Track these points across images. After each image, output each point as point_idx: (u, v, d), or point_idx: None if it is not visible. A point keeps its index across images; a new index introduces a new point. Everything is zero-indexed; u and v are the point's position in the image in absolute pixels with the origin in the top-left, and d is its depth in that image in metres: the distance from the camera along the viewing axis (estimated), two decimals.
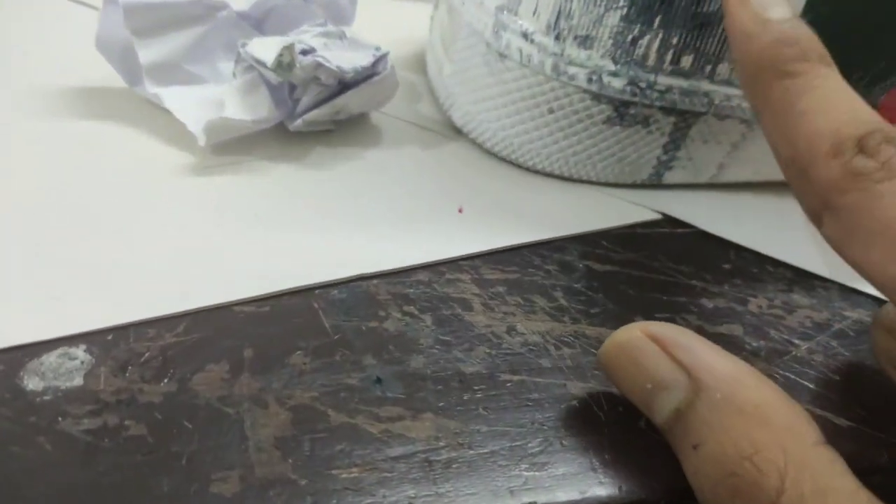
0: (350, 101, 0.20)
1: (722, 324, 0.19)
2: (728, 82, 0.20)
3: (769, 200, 0.23)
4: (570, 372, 0.17)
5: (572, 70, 0.19)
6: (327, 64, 0.19)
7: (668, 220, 0.22)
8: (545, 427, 0.15)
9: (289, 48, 0.18)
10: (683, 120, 0.20)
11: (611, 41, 0.19)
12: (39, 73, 0.22)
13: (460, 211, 0.20)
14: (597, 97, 0.20)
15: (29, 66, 0.22)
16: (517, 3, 0.19)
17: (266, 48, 0.19)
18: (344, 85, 0.20)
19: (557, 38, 0.19)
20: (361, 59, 0.19)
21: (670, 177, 0.22)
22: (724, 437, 0.13)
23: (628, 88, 0.19)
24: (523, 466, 0.14)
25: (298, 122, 0.20)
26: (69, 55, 0.22)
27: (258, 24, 0.22)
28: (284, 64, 0.18)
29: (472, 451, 0.15)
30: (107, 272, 0.16)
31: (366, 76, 0.20)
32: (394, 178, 0.20)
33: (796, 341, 0.19)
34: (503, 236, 0.19)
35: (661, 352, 0.15)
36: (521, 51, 0.20)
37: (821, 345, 0.19)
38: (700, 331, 0.18)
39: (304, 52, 0.19)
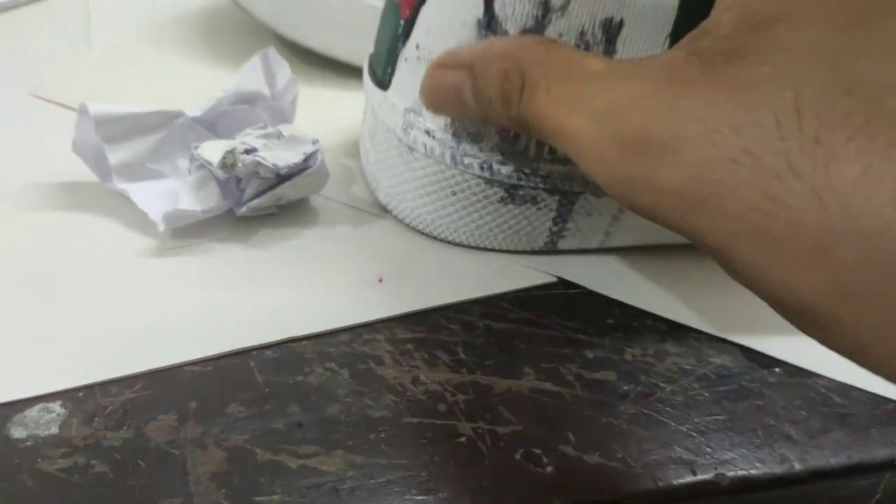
0: (287, 191, 0.24)
1: (599, 371, 0.22)
2: None
3: (652, 262, 0.27)
4: (461, 414, 0.20)
5: (467, 160, 0.23)
6: (265, 162, 0.23)
7: (562, 282, 0.25)
8: (435, 459, 0.19)
9: (231, 151, 0.22)
10: (566, 198, 0.24)
11: (497, 137, 0.23)
12: (25, 168, 0.26)
13: (380, 280, 0.24)
14: (490, 182, 0.24)
15: (15, 161, 0.26)
16: (420, 106, 0.23)
17: (213, 151, 0.23)
18: (281, 177, 0.24)
19: (454, 134, 0.23)
20: (294, 157, 0.23)
21: (563, 244, 0.26)
22: (490, 80, 0.20)
23: (515, 174, 0.23)
24: (414, 492, 0.18)
25: (244, 209, 0.24)
26: (50, 154, 0.26)
27: (211, 126, 0.25)
28: (228, 164, 0.22)
29: (372, 481, 0.18)
30: (79, 339, 0.20)
31: (299, 170, 0.24)
32: (326, 252, 0.24)
33: (662, 384, 0.22)
34: (415, 301, 0.23)
35: (442, 67, 0.21)
36: (425, 145, 0.24)
37: (683, 387, 0.23)
38: (579, 377, 0.22)
39: (248, 152, 0.23)
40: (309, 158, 0.24)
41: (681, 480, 0.20)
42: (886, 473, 0.22)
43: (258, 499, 0.17)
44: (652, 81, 0.17)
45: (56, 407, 0.18)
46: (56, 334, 0.20)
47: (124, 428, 0.18)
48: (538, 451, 0.19)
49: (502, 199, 0.24)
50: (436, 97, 0.22)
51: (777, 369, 0.24)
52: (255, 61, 0.26)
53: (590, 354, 0.23)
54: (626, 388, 0.22)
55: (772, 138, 0.14)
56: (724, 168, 0.15)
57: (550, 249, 0.26)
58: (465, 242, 0.25)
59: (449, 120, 0.23)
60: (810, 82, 0.14)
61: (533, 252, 0.26)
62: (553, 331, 0.23)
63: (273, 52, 0.26)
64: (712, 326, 0.25)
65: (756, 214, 0.15)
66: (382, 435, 0.19)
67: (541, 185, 0.23)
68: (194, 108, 0.25)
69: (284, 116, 0.27)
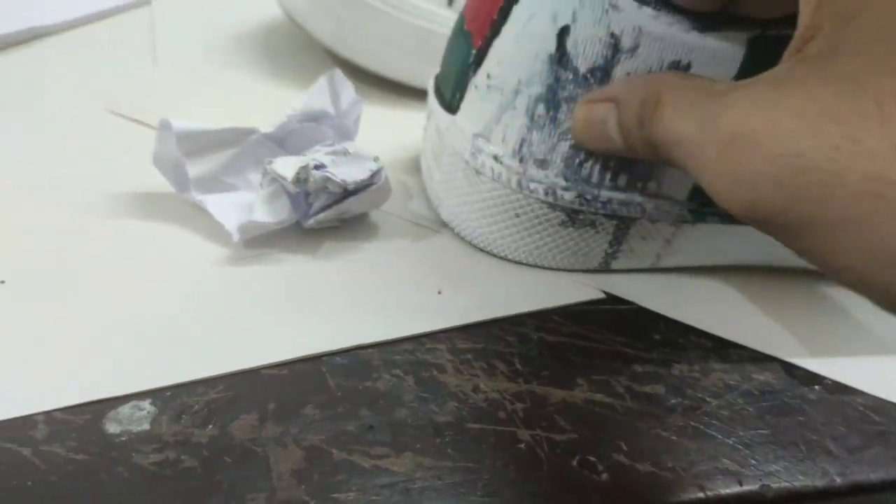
0: (352, 205, 0.26)
1: (648, 384, 0.23)
2: (656, 195, 0.25)
3: (698, 280, 0.28)
4: (520, 422, 0.21)
5: (533, 185, 0.24)
6: (334, 177, 0.24)
7: (612, 298, 0.26)
8: (497, 464, 0.20)
9: (304, 167, 0.24)
10: (623, 223, 0.25)
11: (562, 164, 0.24)
12: (103, 180, 0.27)
13: (439, 292, 0.25)
14: (552, 206, 0.25)
15: (94, 173, 0.28)
16: (489, 132, 0.25)
17: (286, 166, 0.24)
18: (347, 192, 0.25)
19: (521, 160, 0.24)
20: (361, 174, 0.25)
21: (616, 264, 0.27)
22: (631, 108, 0.21)
23: (577, 200, 0.24)
24: (479, 493, 0.19)
25: (311, 221, 0.25)
26: (127, 167, 0.27)
27: (281, 142, 0.27)
28: (301, 179, 0.24)
29: (440, 482, 0.19)
30: (164, 341, 0.21)
31: (365, 186, 0.25)
32: (387, 265, 0.25)
33: (708, 399, 0.23)
34: (473, 313, 0.24)
35: (590, 102, 0.22)
36: (492, 169, 0.25)
37: (728, 401, 0.24)
38: (629, 390, 0.23)
39: (317, 168, 0.25)
40: (374, 175, 0.25)
41: (728, 490, 0.21)
42: None
43: (336, 496, 0.18)
44: (758, 88, 0.17)
45: (146, 405, 0.20)
46: (143, 337, 0.21)
47: (210, 426, 0.19)
48: (593, 459, 0.21)
49: (563, 223, 0.25)
50: (586, 131, 0.23)
51: (817, 387, 0.25)
52: (322, 82, 0.28)
53: (638, 368, 0.24)
54: (673, 401, 0.23)
55: (874, 123, 0.15)
56: (825, 155, 0.15)
57: (604, 269, 0.27)
58: (524, 261, 0.26)
59: (517, 146, 0.24)
60: None
61: (586, 271, 0.27)
62: (603, 345, 0.25)
63: (339, 74, 0.28)
64: (755, 343, 0.26)
65: (863, 198, 0.15)
66: (447, 439, 0.20)
67: (600, 211, 0.25)
68: (265, 124, 0.27)
69: (348, 134, 0.28)
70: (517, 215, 0.25)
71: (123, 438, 0.19)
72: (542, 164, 0.24)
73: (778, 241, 0.18)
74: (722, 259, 0.28)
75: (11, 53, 0.35)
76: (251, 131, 0.26)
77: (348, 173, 0.25)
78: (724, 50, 0.22)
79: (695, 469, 0.21)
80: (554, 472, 0.20)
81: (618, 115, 0.22)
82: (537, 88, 0.23)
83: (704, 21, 0.21)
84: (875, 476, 0.22)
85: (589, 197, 0.24)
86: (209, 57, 0.36)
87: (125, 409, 0.19)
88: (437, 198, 0.27)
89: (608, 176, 0.24)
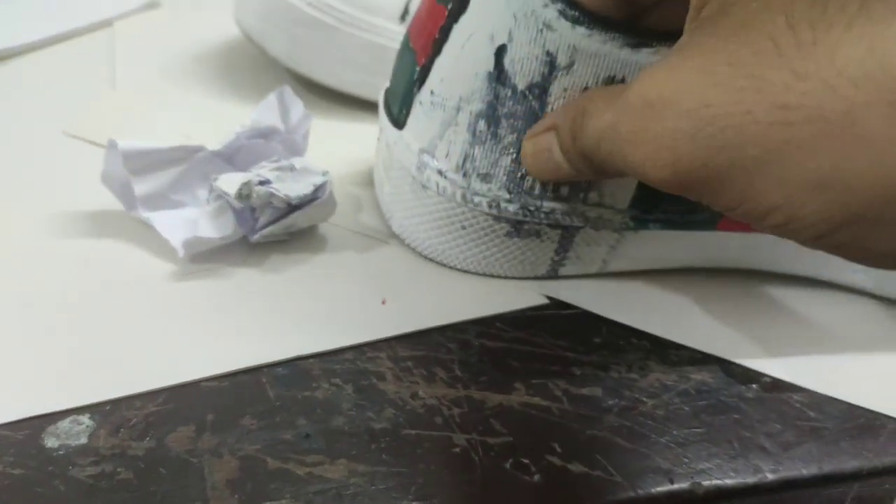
0: (298, 219, 0.26)
1: (585, 387, 0.24)
2: (598, 205, 0.26)
3: (640, 284, 0.28)
4: (456, 426, 0.22)
5: (477, 199, 0.25)
6: (277, 193, 0.25)
7: (556, 304, 0.27)
8: (431, 468, 0.20)
9: (247, 183, 0.24)
10: (567, 231, 0.26)
11: (505, 177, 0.25)
12: (57, 200, 0.28)
13: (384, 302, 0.25)
14: (497, 218, 0.25)
15: (48, 193, 0.28)
16: (434, 148, 0.25)
17: (230, 183, 0.25)
18: (292, 207, 0.26)
19: (464, 175, 0.25)
20: (304, 189, 0.25)
21: (564, 271, 0.28)
22: (565, 133, 0.22)
23: (521, 212, 0.25)
24: (411, 497, 0.19)
25: (257, 236, 0.26)
26: (80, 186, 0.28)
27: (229, 159, 0.28)
28: (244, 195, 0.24)
29: (373, 487, 0.20)
30: (105, 356, 0.22)
31: (308, 200, 0.26)
32: (333, 277, 0.26)
33: (645, 399, 0.24)
34: (415, 321, 0.25)
35: (534, 135, 0.23)
36: (437, 184, 0.25)
37: (664, 401, 0.24)
38: (566, 393, 0.24)
39: (262, 183, 0.25)
40: (318, 190, 0.26)
41: (659, 489, 0.21)
42: (855, 483, 0.23)
43: None
44: (661, 60, 0.18)
45: (85, 419, 0.20)
46: (84, 352, 0.22)
47: (147, 438, 0.20)
48: (526, 461, 0.21)
49: (508, 233, 0.26)
50: (535, 163, 0.23)
51: (754, 385, 0.25)
52: (272, 99, 0.28)
53: (577, 371, 0.24)
54: (610, 402, 0.24)
55: (771, 58, 0.15)
56: (731, 98, 0.16)
57: (552, 276, 0.28)
58: (473, 270, 0.27)
59: (460, 161, 0.25)
60: (796, 0, 0.15)
61: (535, 278, 0.28)
62: (544, 349, 0.25)
63: (288, 91, 0.28)
64: (694, 342, 0.27)
65: (773, 129, 0.15)
66: (383, 445, 0.21)
67: (544, 221, 0.25)
68: (214, 142, 0.27)
69: (297, 149, 0.29)
70: (463, 227, 0.26)
71: (61, 452, 0.19)
72: (486, 178, 0.25)
73: (706, 201, 0.18)
74: (667, 263, 0.29)
75: None
76: (198, 149, 0.26)
77: (292, 188, 0.25)
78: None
79: (627, 468, 0.21)
80: (487, 475, 0.20)
81: (558, 140, 0.22)
82: (478, 105, 0.24)
83: (636, 38, 0.22)
84: (807, 471, 0.23)
85: (532, 208, 0.25)
86: (168, 77, 0.37)
87: (64, 424, 0.20)
88: (388, 210, 0.28)
89: (550, 187, 0.25)
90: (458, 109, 0.24)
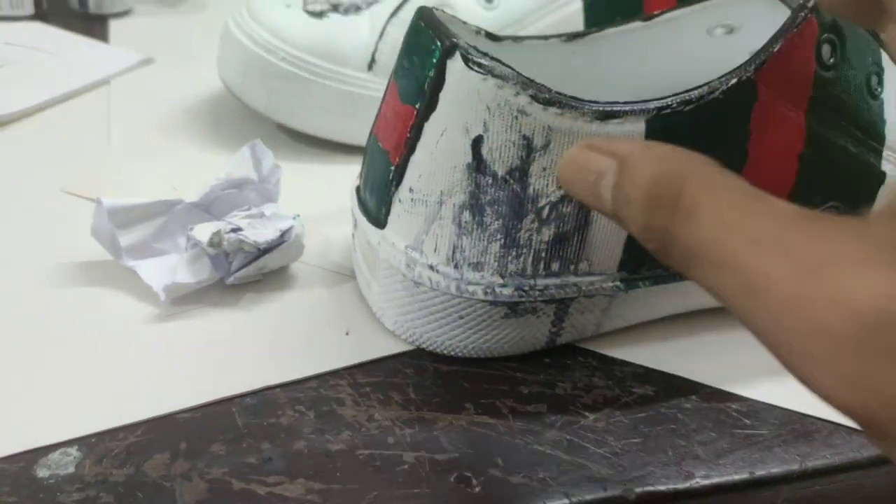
0: (268, 261, 0.29)
1: (531, 404, 0.26)
2: (589, 273, 0.26)
3: None
4: (406, 445, 0.24)
5: (472, 288, 0.25)
6: (247, 239, 0.27)
7: None
8: (381, 483, 0.22)
9: (217, 232, 0.27)
10: (562, 303, 0.26)
11: (496, 263, 0.25)
12: (53, 252, 0.31)
13: (347, 333, 0.28)
14: (493, 304, 0.26)
15: (45, 246, 0.31)
16: (421, 244, 0.25)
17: (203, 232, 0.27)
18: (262, 251, 0.28)
19: (456, 266, 0.25)
20: (271, 234, 0.28)
21: (561, 340, 0.28)
22: (638, 178, 0.18)
23: (516, 293, 0.25)
24: None
25: (232, 278, 0.28)
26: (75, 240, 0.31)
27: (207, 208, 0.30)
28: (215, 242, 0.27)
29: (331, 499, 0.22)
30: (93, 393, 0.24)
31: (276, 244, 0.28)
32: (301, 312, 0.28)
33: (587, 413, 0.26)
34: (374, 350, 0.27)
35: (592, 150, 0.20)
36: (430, 279, 0.26)
37: (605, 415, 0.26)
38: (513, 410, 0.26)
39: (234, 230, 0.28)
40: (284, 234, 0.28)
41: (592, 496, 0.23)
42: (785, 486, 0.25)
43: None
44: (861, 256, 0.14)
45: (73, 451, 0.23)
46: (75, 389, 0.24)
47: (127, 466, 0.22)
48: (469, 474, 0.23)
49: (506, 315, 0.26)
50: (573, 176, 0.21)
51: (694, 396, 0.27)
52: (244, 151, 0.31)
53: (525, 390, 0.27)
54: (553, 418, 0.26)
55: None
56: None
57: (551, 347, 0.28)
58: (474, 356, 0.27)
59: (450, 253, 0.25)
60: None
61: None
62: (493, 371, 0.27)
63: (259, 144, 0.31)
64: (638, 358, 0.28)
65: None
66: (338, 464, 0.23)
67: (539, 298, 0.26)
68: (193, 194, 0.30)
69: (270, 196, 0.31)
70: (461, 317, 0.26)
71: (52, 481, 0.22)
72: (477, 266, 0.25)
73: None
74: (656, 315, 0.29)
75: None
76: (176, 202, 0.29)
77: (260, 234, 0.28)
78: (626, 133, 0.24)
79: (563, 478, 0.23)
80: (432, 488, 0.23)
81: (618, 177, 0.19)
82: (460, 197, 0.24)
83: (604, 112, 0.23)
84: (738, 476, 0.24)
85: (527, 288, 0.25)
86: (160, 131, 0.40)
87: (55, 456, 0.23)
88: (378, 308, 0.28)
89: (541, 266, 0.25)
90: (441, 203, 0.25)
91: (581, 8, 0.40)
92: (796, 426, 0.27)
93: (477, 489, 0.23)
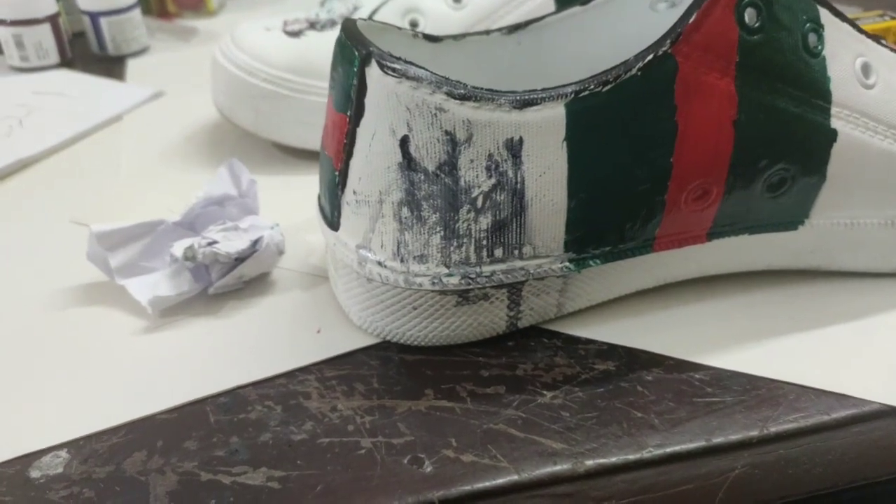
0: (244, 270, 0.31)
1: (490, 386, 0.27)
2: (534, 256, 0.27)
3: None
4: (365, 432, 0.25)
5: (419, 280, 0.26)
6: (220, 251, 0.29)
7: None
8: (338, 468, 0.24)
9: (190, 247, 0.29)
10: (513, 287, 0.27)
11: (439, 254, 0.26)
12: (62, 276, 0.33)
13: (318, 331, 0.29)
14: (442, 293, 0.27)
15: (50, 270, 0.34)
16: (368, 242, 0.27)
17: (180, 247, 0.29)
18: (237, 260, 0.30)
19: (402, 260, 0.26)
20: (242, 244, 0.30)
21: (522, 323, 0.29)
22: None
23: (462, 282, 0.26)
24: (318, 492, 0.23)
25: (212, 288, 0.30)
26: (78, 263, 0.33)
27: (190, 226, 0.32)
28: (189, 256, 0.29)
29: (284, 487, 0.23)
30: (82, 400, 0.27)
31: (250, 253, 0.30)
32: (277, 314, 0.30)
33: (544, 392, 0.27)
34: (341, 345, 0.28)
35: None
36: (380, 275, 0.27)
37: (564, 392, 0.27)
38: (472, 393, 0.27)
39: (210, 244, 0.30)
40: (256, 243, 0.30)
41: (542, 471, 0.24)
42: (744, 452, 0.25)
43: None
44: None
45: (63, 453, 0.25)
46: (66, 397, 0.27)
47: (108, 464, 0.24)
48: (422, 456, 0.24)
49: (458, 303, 0.27)
50: None
51: (656, 369, 0.27)
52: (223, 171, 0.33)
53: (485, 373, 0.27)
54: (511, 398, 0.26)
55: None
56: None
57: (514, 330, 0.29)
58: (437, 344, 0.28)
59: (395, 248, 0.26)
60: None
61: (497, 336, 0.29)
62: (457, 357, 0.28)
63: (236, 162, 0.33)
64: (602, 335, 0.29)
65: None
66: (300, 452, 0.25)
67: (487, 284, 0.27)
68: (175, 213, 0.32)
69: (250, 209, 0.33)
70: (414, 308, 0.27)
71: (42, 481, 0.24)
72: (422, 258, 0.26)
73: None
74: (620, 291, 0.30)
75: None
76: (159, 222, 0.32)
77: (233, 245, 0.30)
78: (547, 119, 0.24)
79: (514, 454, 0.24)
80: (386, 470, 0.24)
81: None
82: (397, 194, 0.25)
83: (521, 101, 0.24)
84: (693, 444, 0.25)
85: (473, 275, 0.26)
86: (163, 159, 0.43)
87: (46, 458, 0.25)
88: (345, 305, 0.29)
89: (484, 253, 0.26)
90: (381, 202, 0.26)
91: None
92: (761, 391, 0.27)
93: (429, 469, 0.24)
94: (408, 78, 0.24)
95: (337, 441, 0.25)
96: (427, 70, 0.24)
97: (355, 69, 0.24)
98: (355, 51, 0.24)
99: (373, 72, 0.24)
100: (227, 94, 0.40)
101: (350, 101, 0.25)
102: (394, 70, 0.24)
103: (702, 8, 0.24)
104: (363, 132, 0.25)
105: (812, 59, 0.26)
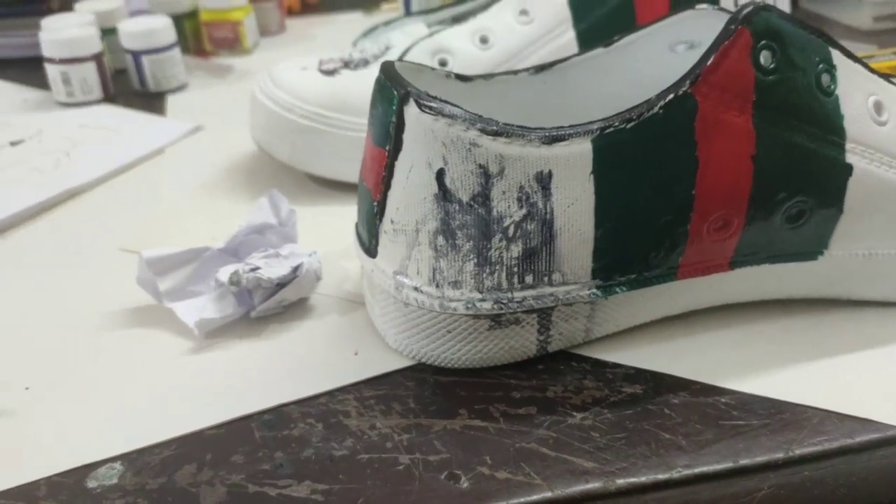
0: (286, 294, 0.32)
1: (522, 407, 0.28)
2: (563, 283, 0.28)
3: None
4: (403, 448, 0.26)
5: (453, 304, 0.28)
6: (263, 276, 0.31)
7: None
8: (377, 483, 0.25)
9: (235, 272, 0.31)
10: (543, 313, 0.29)
11: (472, 280, 0.27)
12: (112, 300, 0.35)
13: (356, 353, 0.31)
14: (476, 317, 0.28)
15: (103, 295, 0.36)
16: (405, 268, 0.28)
17: (225, 273, 0.31)
18: (279, 286, 0.32)
19: (437, 286, 0.28)
20: (284, 270, 0.31)
21: (552, 347, 0.30)
22: None
23: (495, 307, 0.28)
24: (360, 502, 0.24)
25: (255, 312, 0.32)
26: (128, 287, 0.35)
27: (234, 252, 0.34)
28: (234, 281, 0.31)
29: (333, 498, 0.25)
30: (135, 416, 0.28)
31: (291, 279, 0.32)
32: (317, 338, 0.32)
33: (575, 413, 0.28)
34: (378, 367, 0.30)
35: None
36: (416, 300, 0.28)
37: (593, 413, 0.28)
38: (504, 414, 0.28)
39: (253, 270, 0.32)
40: (296, 270, 0.32)
41: (574, 489, 0.25)
42: (770, 474, 0.26)
43: None
44: None
45: (117, 465, 0.26)
46: (120, 413, 0.28)
47: (161, 476, 0.26)
48: (458, 472, 0.25)
49: (490, 327, 0.28)
50: None
51: (683, 393, 0.29)
52: (263, 201, 0.35)
53: (516, 395, 0.29)
54: (542, 418, 0.28)
55: None
56: None
57: (543, 354, 0.30)
58: (468, 367, 0.29)
59: (430, 275, 0.28)
60: None
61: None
62: (490, 379, 0.29)
63: (276, 193, 0.35)
64: (629, 360, 0.30)
65: None
66: (342, 466, 0.26)
67: (518, 309, 0.28)
68: (218, 241, 0.34)
69: (290, 237, 0.35)
70: (449, 332, 0.29)
71: (98, 491, 0.25)
72: (456, 284, 0.28)
73: None
74: (646, 318, 0.31)
75: (49, 214, 0.45)
76: (204, 249, 0.33)
77: (275, 271, 0.32)
78: (574, 153, 0.26)
79: (547, 472, 0.25)
80: (424, 485, 0.25)
81: None
82: (433, 224, 0.27)
83: (550, 136, 0.26)
84: (720, 466, 0.26)
85: (505, 301, 0.28)
86: (204, 190, 0.45)
87: (102, 470, 0.26)
88: (382, 329, 0.31)
89: (515, 279, 0.27)
90: (418, 231, 0.27)
91: (574, 37, 0.42)
92: (786, 415, 0.28)
93: (465, 484, 0.25)
94: (444, 115, 0.25)
95: (376, 457, 0.26)
96: (461, 108, 0.25)
97: (394, 107, 0.26)
98: (394, 90, 0.26)
99: (411, 110, 0.26)
100: (265, 129, 0.42)
101: (389, 137, 0.27)
102: (430, 108, 0.25)
103: (719, 50, 0.26)
104: (401, 165, 0.27)
105: (825, 98, 0.28)
